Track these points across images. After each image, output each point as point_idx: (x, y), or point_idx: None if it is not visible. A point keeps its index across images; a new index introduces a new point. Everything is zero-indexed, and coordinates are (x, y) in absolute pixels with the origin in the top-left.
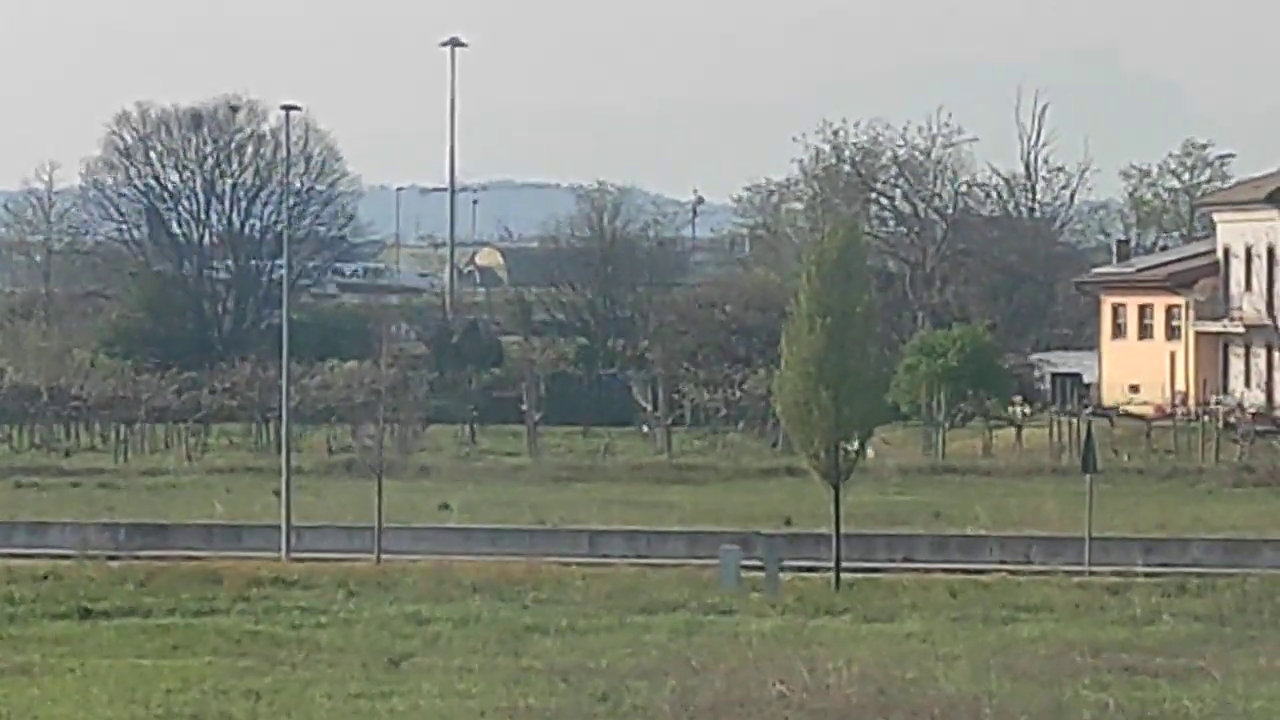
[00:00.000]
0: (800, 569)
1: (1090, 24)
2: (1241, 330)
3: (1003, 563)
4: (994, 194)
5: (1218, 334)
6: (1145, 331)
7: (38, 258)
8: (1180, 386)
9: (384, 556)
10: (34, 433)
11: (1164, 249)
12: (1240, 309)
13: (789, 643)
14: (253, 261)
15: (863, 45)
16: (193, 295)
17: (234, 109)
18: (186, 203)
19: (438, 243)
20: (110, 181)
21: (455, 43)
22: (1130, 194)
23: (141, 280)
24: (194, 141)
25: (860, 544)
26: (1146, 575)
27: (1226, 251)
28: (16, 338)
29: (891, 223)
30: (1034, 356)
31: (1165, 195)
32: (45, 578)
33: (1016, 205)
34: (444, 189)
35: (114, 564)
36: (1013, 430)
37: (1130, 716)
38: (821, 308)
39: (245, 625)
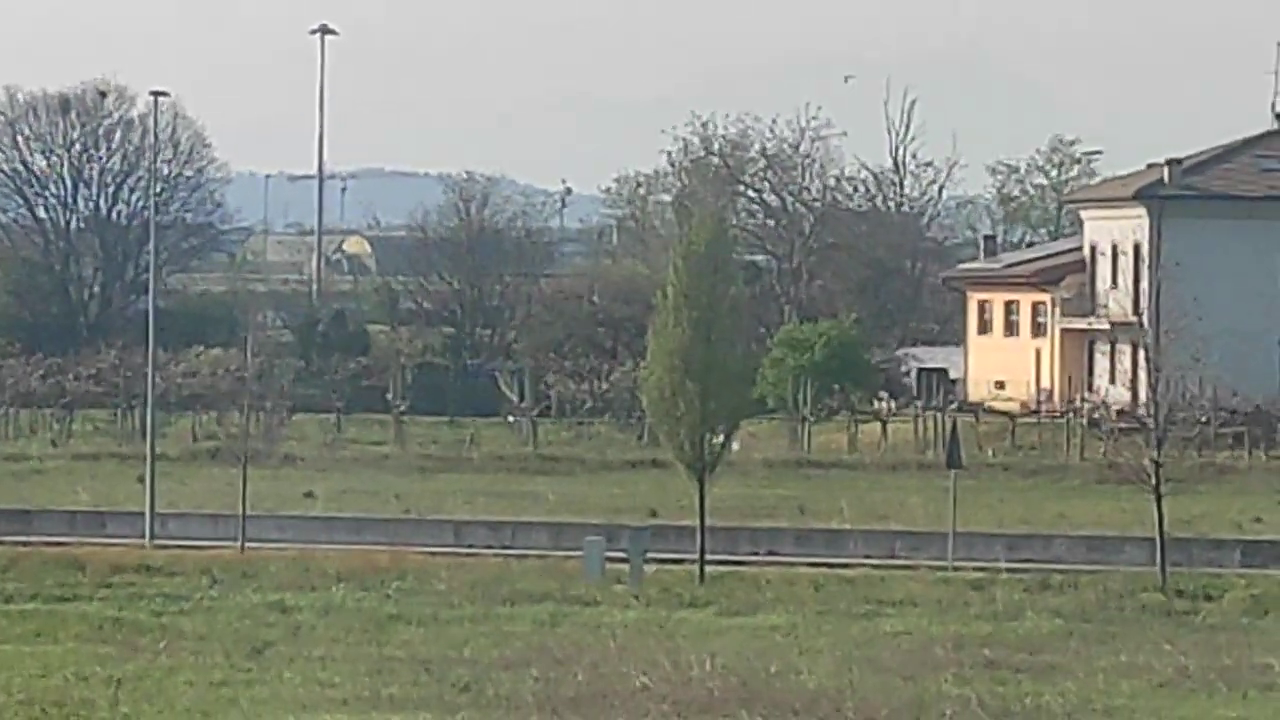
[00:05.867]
0: (664, 561)
1: (959, 20)
2: (1107, 327)
3: (867, 557)
4: (862, 188)
5: (1083, 331)
6: (1011, 328)
7: None
8: (1045, 383)
9: (248, 545)
10: None
11: (1031, 245)
12: (1106, 306)
13: (652, 634)
14: (120, 247)
15: (733, 38)
16: (59, 281)
17: (102, 94)
18: (54, 188)
19: (306, 230)
20: None
21: (325, 30)
22: (998, 190)
23: (7, 265)
24: (62, 126)
25: (725, 537)
26: (1010, 571)
27: (1093, 249)
28: None
29: (759, 216)
30: (900, 351)
31: (1033, 191)
32: None
33: (884, 200)
34: (313, 176)
35: None
36: (878, 425)
37: (991, 712)
38: (688, 301)
39: (108, 612)
